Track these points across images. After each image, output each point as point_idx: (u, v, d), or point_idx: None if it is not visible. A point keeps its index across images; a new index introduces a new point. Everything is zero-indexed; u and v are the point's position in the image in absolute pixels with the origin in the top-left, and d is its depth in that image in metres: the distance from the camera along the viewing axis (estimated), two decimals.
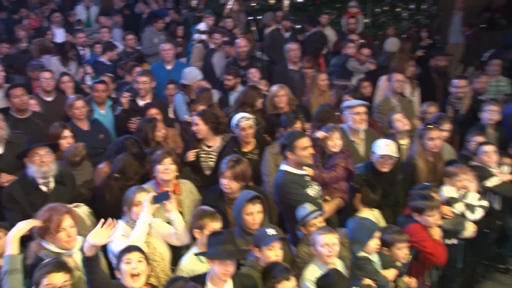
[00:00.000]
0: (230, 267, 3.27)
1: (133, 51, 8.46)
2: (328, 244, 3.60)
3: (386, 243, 3.89)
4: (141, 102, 6.10)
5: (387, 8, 10.75)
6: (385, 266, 3.87)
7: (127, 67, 7.33)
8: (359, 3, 10.15)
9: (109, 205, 4.25)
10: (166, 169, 4.21)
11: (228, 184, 4.12)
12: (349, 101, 5.33)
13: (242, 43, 7.44)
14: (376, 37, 9.89)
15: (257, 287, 3.41)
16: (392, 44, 8.30)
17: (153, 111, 5.56)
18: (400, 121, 5.33)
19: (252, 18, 10.68)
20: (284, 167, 4.38)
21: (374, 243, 3.78)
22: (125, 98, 6.04)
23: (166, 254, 3.86)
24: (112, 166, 4.48)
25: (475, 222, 4.56)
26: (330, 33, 9.28)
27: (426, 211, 4.10)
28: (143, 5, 11.73)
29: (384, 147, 4.51)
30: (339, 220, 4.63)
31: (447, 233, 4.42)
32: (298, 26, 9.88)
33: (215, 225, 3.65)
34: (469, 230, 4.51)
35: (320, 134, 4.75)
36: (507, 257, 5.46)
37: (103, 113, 6.19)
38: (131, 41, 8.69)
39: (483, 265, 5.27)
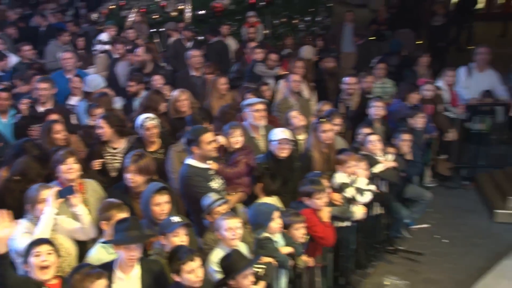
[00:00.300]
0: (136, 252, 3.37)
1: (32, 62, 8.23)
2: (232, 228, 3.79)
3: (284, 225, 4.17)
4: (41, 109, 6.00)
5: (285, 20, 11.40)
6: (288, 246, 4.15)
7: (25, 76, 7.15)
8: (258, 15, 10.67)
9: (10, 209, 4.14)
10: (70, 168, 4.22)
11: (132, 178, 4.22)
12: (249, 99, 5.62)
13: (140, 52, 7.63)
14: (276, 47, 10.41)
15: (164, 272, 3.54)
16: (307, 51, 9.00)
17: (54, 117, 5.50)
18: (296, 118, 5.72)
19: (155, 30, 10.83)
20: (188, 161, 4.57)
21: (275, 224, 4.05)
22: (24, 104, 5.91)
23: (72, 249, 3.86)
24: (12, 169, 4.41)
25: (365, 205, 5.04)
26: (232, 43, 9.63)
27: (315, 195, 4.44)
28: (40, 18, 11.41)
29: (280, 133, 4.86)
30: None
31: (338, 217, 4.83)
32: (200, 38, 10.15)
33: (122, 216, 3.72)
34: (359, 212, 4.97)
35: (220, 139, 4.92)
36: (395, 239, 6.02)
37: (5, 122, 6.01)
38: (28, 52, 8.43)
39: (374, 248, 5.76)
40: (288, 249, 4.10)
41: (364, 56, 10.32)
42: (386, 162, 5.47)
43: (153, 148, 5.21)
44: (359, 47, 10.72)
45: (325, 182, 4.68)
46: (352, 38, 10.78)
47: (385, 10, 12.34)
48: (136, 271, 3.44)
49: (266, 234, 4.05)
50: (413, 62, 8.30)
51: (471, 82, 7.36)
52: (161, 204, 3.93)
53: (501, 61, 8.04)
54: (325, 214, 4.55)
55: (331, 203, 4.75)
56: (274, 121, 5.97)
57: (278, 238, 4.14)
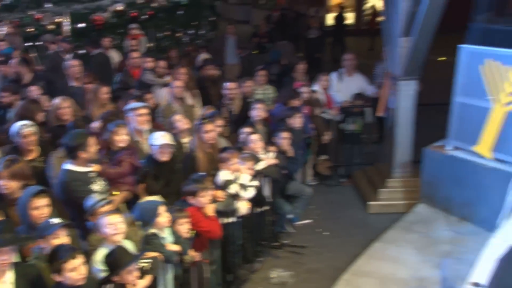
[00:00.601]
0: (8, 256, 3.20)
1: None
2: (112, 223, 3.76)
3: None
4: None
5: (168, 33, 11.54)
6: (177, 241, 4.21)
7: None
8: (142, 28, 10.69)
9: None
10: None
11: (6, 184, 4.05)
12: (132, 104, 5.62)
13: (14, 63, 7.38)
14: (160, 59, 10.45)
15: (42, 276, 3.40)
16: (203, 58, 9.19)
17: None
18: (180, 121, 5.81)
19: (31, 44, 10.38)
20: (67, 166, 4.47)
21: (162, 218, 4.08)
22: None
23: None
24: None
25: (249, 201, 5.25)
26: (114, 55, 9.50)
27: (199, 193, 4.55)
28: None
29: (161, 138, 4.90)
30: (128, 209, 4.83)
31: (223, 213, 4.98)
32: (82, 51, 9.90)
33: None
34: (244, 207, 5.16)
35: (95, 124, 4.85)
36: (280, 234, 6.30)
37: None
38: None
39: (260, 244, 5.98)
40: (175, 247, 4.15)
41: (247, 68, 10.72)
42: (267, 159, 5.73)
43: (31, 156, 5.02)
44: (242, 59, 11.14)
45: (208, 183, 4.80)
46: (236, 50, 11.18)
47: (265, 24, 12.99)
48: (9, 277, 3.27)
49: (153, 230, 4.07)
50: (292, 70, 8.78)
51: (342, 86, 7.96)
52: (40, 208, 3.80)
53: (371, 72, 8.78)
54: (210, 209, 4.67)
55: (215, 201, 4.88)
56: (158, 127, 6.00)
57: (166, 234, 4.18)
